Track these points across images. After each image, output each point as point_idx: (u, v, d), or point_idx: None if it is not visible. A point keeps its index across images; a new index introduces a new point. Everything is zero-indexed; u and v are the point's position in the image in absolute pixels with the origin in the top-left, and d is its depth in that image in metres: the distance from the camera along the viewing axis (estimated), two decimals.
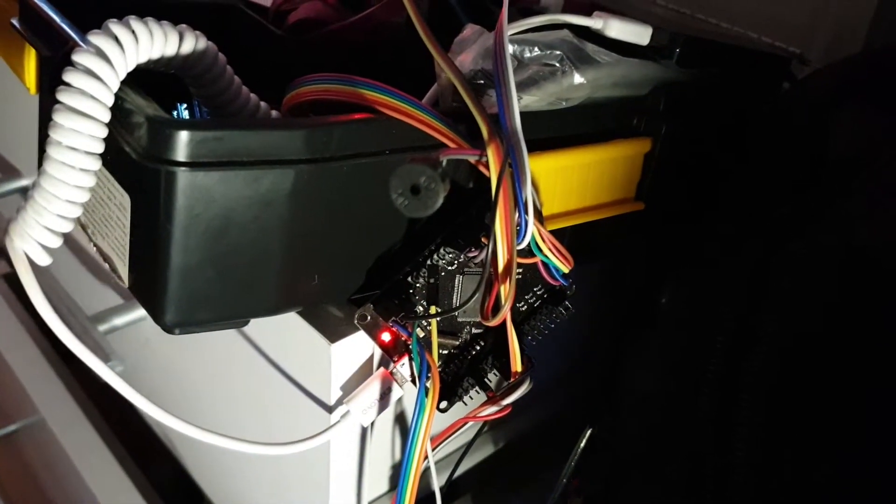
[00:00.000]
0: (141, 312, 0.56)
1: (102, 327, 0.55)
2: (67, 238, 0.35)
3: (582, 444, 0.47)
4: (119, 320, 0.56)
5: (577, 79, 0.42)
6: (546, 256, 0.38)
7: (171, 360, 0.59)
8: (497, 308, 0.38)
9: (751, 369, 0.40)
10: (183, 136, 0.32)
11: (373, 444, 0.47)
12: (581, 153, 0.45)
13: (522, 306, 0.42)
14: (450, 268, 0.40)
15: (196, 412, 0.59)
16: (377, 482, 0.50)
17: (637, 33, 0.46)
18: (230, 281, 0.36)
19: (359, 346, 0.41)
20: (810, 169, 0.48)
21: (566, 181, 0.45)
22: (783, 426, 0.40)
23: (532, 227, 0.37)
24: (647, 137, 0.48)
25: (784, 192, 0.48)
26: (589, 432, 0.47)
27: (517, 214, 0.36)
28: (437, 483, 0.43)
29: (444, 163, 0.34)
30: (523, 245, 0.37)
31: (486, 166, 0.36)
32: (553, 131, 0.44)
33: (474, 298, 0.37)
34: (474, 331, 0.42)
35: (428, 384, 0.37)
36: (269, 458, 0.50)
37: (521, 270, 0.41)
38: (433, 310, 0.39)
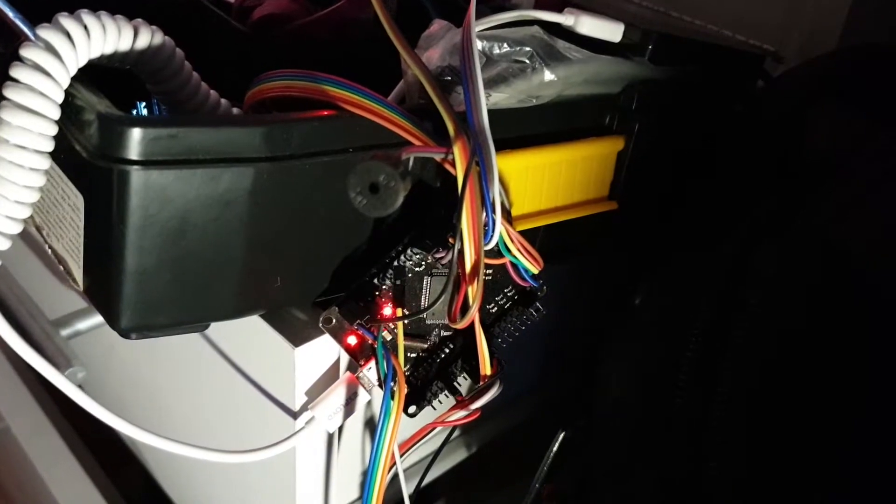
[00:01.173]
0: None
1: (65, 332, 0.53)
2: (30, 239, 0.34)
3: (555, 448, 0.46)
4: (82, 325, 0.54)
5: (548, 76, 0.41)
6: (515, 257, 0.37)
7: (136, 366, 0.58)
8: (465, 310, 0.37)
9: (725, 371, 0.39)
10: (135, 134, 0.31)
11: (341, 450, 0.46)
12: (552, 151, 0.44)
13: (492, 308, 0.41)
14: (417, 269, 0.39)
15: (162, 419, 0.57)
16: (346, 489, 0.49)
17: (609, 30, 0.45)
18: (188, 284, 0.35)
19: (324, 350, 0.40)
20: (784, 167, 0.48)
21: (537, 180, 0.44)
22: (759, 431, 0.39)
23: (500, 227, 0.36)
24: (620, 136, 0.47)
25: (758, 191, 0.47)
26: (562, 436, 0.46)
27: (484, 214, 0.35)
28: (406, 490, 0.42)
29: (409, 161, 0.33)
30: (491, 245, 0.36)
31: (453, 164, 0.35)
32: (523, 129, 0.43)
33: (441, 300, 0.36)
34: (443, 334, 0.41)
35: (394, 388, 0.36)
36: (235, 465, 0.49)
37: (489, 272, 0.40)
38: (399, 312, 0.38)
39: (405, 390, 0.37)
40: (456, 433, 0.52)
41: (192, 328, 0.37)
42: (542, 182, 0.44)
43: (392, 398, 0.37)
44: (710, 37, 0.54)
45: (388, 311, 0.39)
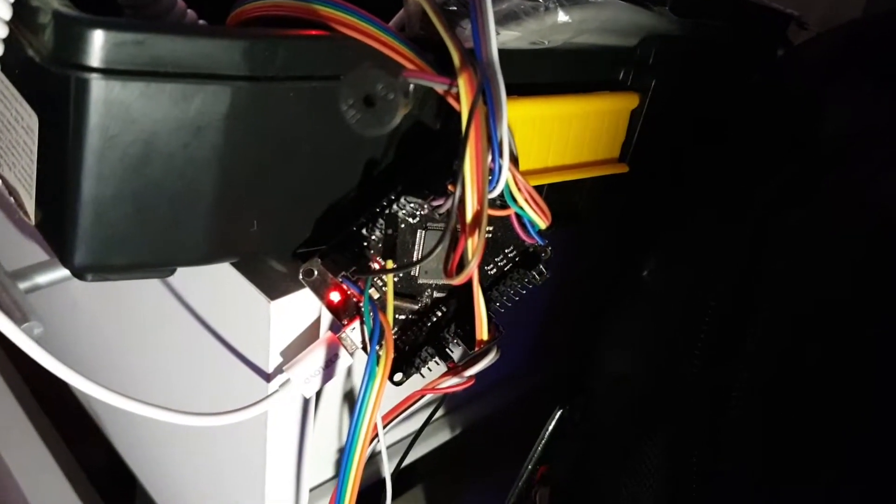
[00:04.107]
0: (66, 272, 0.50)
1: (23, 285, 0.49)
2: None
3: (550, 427, 0.42)
4: (42, 278, 0.49)
5: (562, 17, 0.38)
6: (521, 208, 0.33)
7: (99, 323, 0.54)
8: (462, 265, 0.33)
9: (749, 344, 0.35)
10: (97, 37, 0.26)
11: (317, 423, 0.42)
12: (562, 103, 0.40)
13: (491, 269, 0.37)
14: (411, 220, 0.35)
15: (126, 382, 0.53)
16: (322, 466, 0.45)
17: None
18: (152, 220, 0.31)
19: (303, 306, 0.36)
20: (806, 136, 0.44)
21: (544, 133, 0.40)
22: (781, 409, 0.35)
23: (507, 173, 0.32)
24: (635, 92, 0.44)
25: (779, 159, 0.43)
26: (559, 413, 0.42)
27: (490, 157, 0.31)
28: (387, 468, 0.38)
29: (409, 86, 0.29)
30: (495, 193, 0.32)
31: (456, 98, 0.31)
32: (531, 75, 0.39)
33: (436, 252, 0.32)
34: (436, 294, 0.37)
35: (380, 351, 0.32)
36: (201, 432, 0.45)
37: (491, 228, 0.36)
38: (389, 265, 0.34)
39: (392, 354, 0.33)
40: (441, 412, 0.48)
41: (156, 272, 0.33)
42: (549, 136, 0.41)
43: (377, 363, 0.33)
44: None
45: (376, 265, 0.35)
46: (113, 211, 0.30)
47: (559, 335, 0.54)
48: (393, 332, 0.36)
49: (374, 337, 0.32)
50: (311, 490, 0.44)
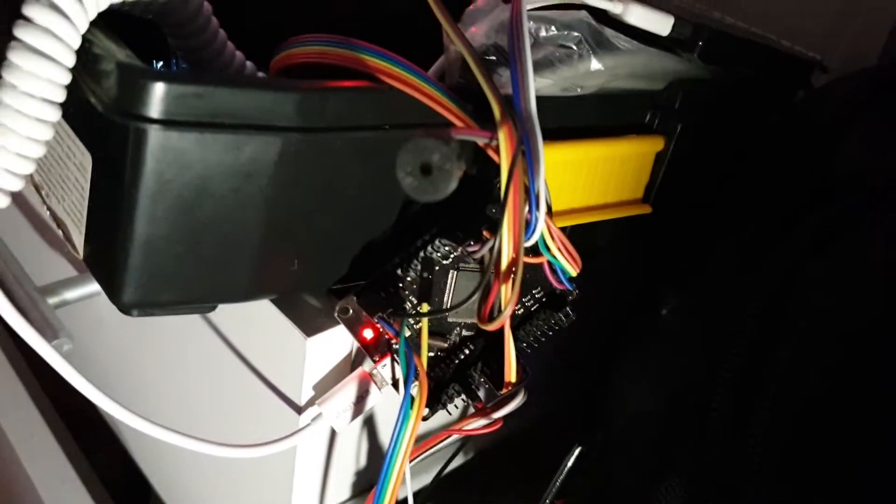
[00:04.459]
0: (95, 287, 0.51)
1: (52, 300, 0.50)
2: (20, 200, 0.30)
3: (569, 464, 0.43)
4: (71, 294, 0.50)
5: (595, 64, 0.39)
6: (554, 257, 0.34)
7: (126, 342, 0.55)
8: (493, 311, 0.34)
9: (767, 397, 0.36)
10: (159, 89, 0.27)
11: (337, 448, 0.43)
12: (591, 147, 0.41)
13: (519, 310, 0.38)
14: (445, 262, 0.36)
15: (150, 401, 0.54)
16: (339, 488, 0.46)
17: (658, 22, 0.42)
18: (200, 259, 0.32)
19: (337, 343, 0.37)
20: (828, 182, 0.45)
21: (574, 176, 0.41)
22: (801, 460, 0.36)
23: (542, 224, 0.33)
24: (661, 136, 0.45)
25: (803, 205, 0.44)
26: (578, 451, 0.43)
27: (527, 208, 0.32)
28: (410, 493, 0.39)
29: (458, 145, 0.30)
30: (531, 242, 0.33)
31: (497, 151, 0.32)
32: (563, 120, 0.40)
33: (472, 299, 0.33)
34: (465, 333, 0.38)
35: (414, 392, 0.33)
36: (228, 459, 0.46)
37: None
38: (425, 308, 0.35)
39: (426, 395, 0.34)
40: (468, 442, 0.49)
41: (200, 308, 0.34)
42: (577, 178, 0.42)
43: (411, 405, 0.34)
44: (758, 38, 0.51)
45: (410, 304, 0.36)
46: (163, 251, 0.31)
47: (577, 363, 0.55)
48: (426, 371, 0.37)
49: (410, 379, 0.33)
50: None
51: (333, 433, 0.41)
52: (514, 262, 0.33)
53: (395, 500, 0.34)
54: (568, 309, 0.38)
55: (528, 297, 0.38)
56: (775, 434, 0.37)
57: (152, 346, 0.51)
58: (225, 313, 0.39)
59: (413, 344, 0.35)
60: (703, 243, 0.46)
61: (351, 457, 0.45)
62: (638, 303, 0.47)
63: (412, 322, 0.35)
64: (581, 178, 0.42)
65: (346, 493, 0.48)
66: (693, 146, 0.45)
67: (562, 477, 0.43)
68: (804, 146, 0.49)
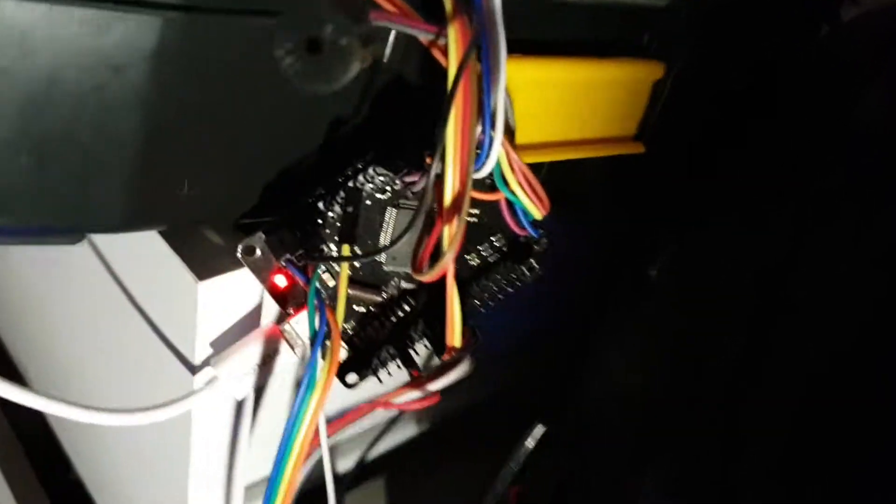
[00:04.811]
0: None
1: None
2: None
3: (529, 446, 0.36)
4: None
5: None
6: (514, 193, 0.27)
7: (21, 302, 0.47)
8: (436, 257, 0.27)
9: (767, 377, 0.29)
10: None
11: (259, 416, 0.36)
12: (573, 67, 0.34)
13: (471, 259, 0.31)
14: (379, 196, 0.29)
15: (47, 367, 0.47)
16: (257, 463, 0.39)
17: None
18: (56, 175, 0.25)
19: (241, 290, 0.30)
20: (843, 134, 0.38)
21: (549, 102, 0.34)
22: (801, 443, 0.29)
23: (499, 148, 0.25)
24: (660, 61, 0.37)
25: (818, 157, 0.37)
26: (540, 431, 0.36)
27: (479, 127, 0.25)
28: (330, 476, 0.32)
29: (380, 34, 0.23)
30: (483, 172, 0.26)
31: (444, 52, 0.25)
32: (538, 31, 0.33)
33: (404, 239, 0.26)
34: (404, 285, 0.31)
35: (324, 357, 0.26)
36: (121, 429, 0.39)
37: (476, 212, 0.30)
38: (345, 250, 0.28)
39: (339, 353, 0.27)
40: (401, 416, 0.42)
41: (60, 238, 0.27)
42: (555, 105, 0.34)
43: (319, 362, 0.27)
44: None
45: (332, 246, 0.28)
46: (6, 161, 0.23)
47: (546, 333, 0.48)
48: (350, 326, 0.30)
49: (319, 338, 0.26)
50: (247, 488, 0.38)
51: (246, 401, 0.34)
52: (459, 196, 0.25)
53: (293, 487, 0.27)
54: (532, 261, 0.31)
55: (485, 245, 0.31)
56: (775, 420, 0.31)
57: (45, 301, 0.44)
58: (118, 253, 0.32)
59: (331, 294, 0.28)
60: (702, 195, 0.39)
61: (277, 427, 0.38)
62: (621, 260, 0.39)
63: (329, 268, 0.28)
64: (560, 106, 0.34)
65: (265, 469, 0.41)
66: (697, 77, 0.38)
67: (520, 461, 0.36)
68: (824, 90, 0.41)
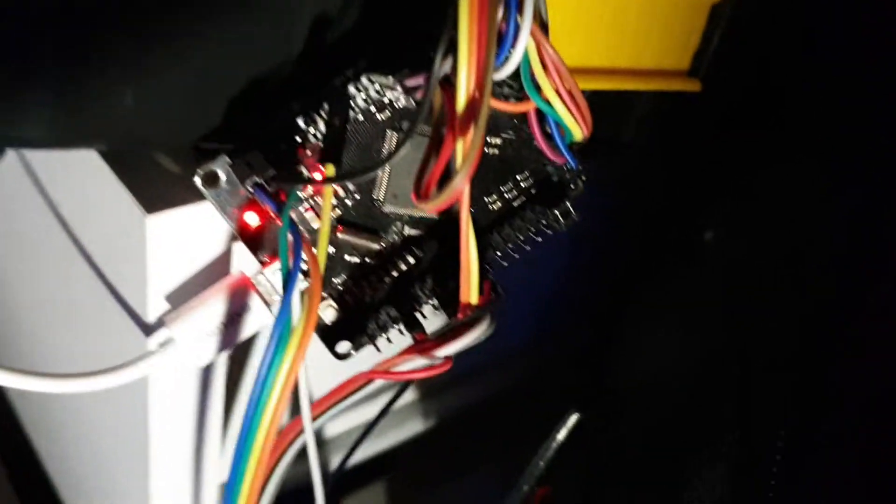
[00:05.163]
0: None
1: None
2: None
3: (560, 438, 0.30)
4: None
5: None
6: (548, 102, 0.21)
7: None
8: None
9: (844, 362, 0.23)
10: None
11: (241, 395, 0.30)
12: None
13: (493, 202, 0.25)
14: (373, 111, 0.23)
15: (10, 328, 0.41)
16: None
17: None
18: None
19: (201, 230, 0.24)
20: None
21: (591, 16, 0.28)
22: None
23: (526, 38, 0.19)
24: None
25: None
26: (573, 420, 0.30)
27: (501, 9, 0.19)
28: (317, 475, 0.26)
29: None
30: (506, 70, 0.20)
31: None
32: None
33: (401, 152, 0.20)
34: (408, 231, 0.25)
35: (296, 302, 0.20)
36: (74, 401, 0.33)
37: (499, 142, 0.24)
38: (329, 171, 0.22)
39: (319, 297, 0.21)
40: (409, 396, 0.35)
41: None
42: (598, 21, 0.28)
43: (291, 324, 0.20)
44: None
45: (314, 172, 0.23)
46: None
47: (575, 306, 0.41)
48: (340, 281, 0.24)
49: (292, 281, 0.20)
50: (222, 484, 0.32)
51: (214, 372, 0.28)
52: (475, 100, 0.19)
53: (260, 479, 0.21)
54: (568, 204, 0.25)
55: (509, 184, 0.25)
56: (852, 416, 0.24)
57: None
58: (58, 183, 0.26)
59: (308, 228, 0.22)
60: (768, 146, 0.33)
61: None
62: (667, 220, 0.33)
63: (313, 204, 0.22)
64: (604, 23, 0.28)
65: None
66: (766, 4, 0.32)
67: (548, 456, 0.30)
68: None
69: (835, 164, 0.30)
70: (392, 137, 0.23)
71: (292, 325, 0.20)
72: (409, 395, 0.38)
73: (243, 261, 0.25)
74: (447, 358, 0.23)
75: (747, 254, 0.31)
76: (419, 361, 0.23)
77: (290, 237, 0.20)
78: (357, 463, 0.37)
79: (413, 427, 0.39)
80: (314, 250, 0.21)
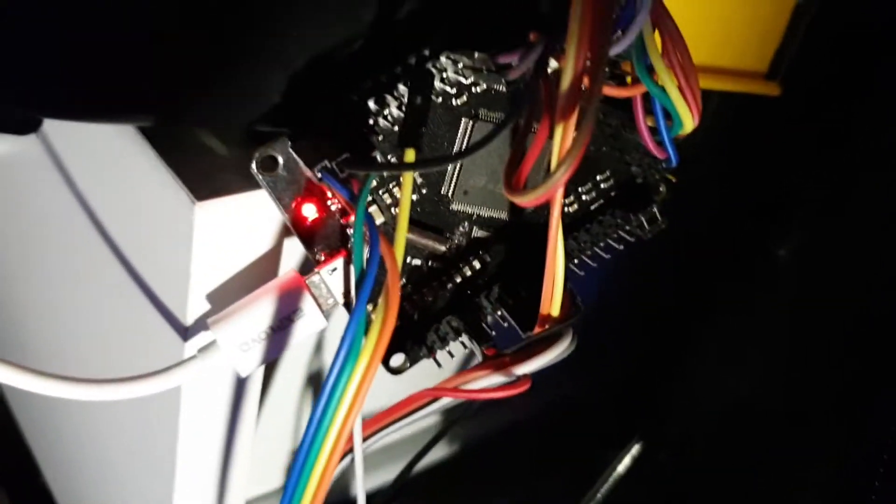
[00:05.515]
0: None
1: None
2: None
3: (621, 469, 0.28)
4: None
5: None
6: (661, 87, 0.18)
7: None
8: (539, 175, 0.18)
9: None
10: None
11: (265, 411, 0.27)
12: None
13: (571, 203, 0.23)
14: (452, 95, 0.20)
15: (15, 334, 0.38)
16: (266, 472, 0.31)
17: None
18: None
19: (252, 221, 0.21)
20: None
21: (673, 9, 0.25)
22: None
23: (645, 17, 0.17)
24: None
25: None
26: (637, 449, 0.27)
27: None
28: (362, 490, 0.23)
29: None
30: (622, 45, 0.17)
31: None
32: None
33: (497, 136, 0.17)
34: (476, 233, 0.22)
35: (373, 313, 0.18)
36: (99, 409, 0.31)
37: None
38: (410, 156, 0.19)
39: (394, 318, 0.18)
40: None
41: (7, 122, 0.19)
42: (681, 16, 0.26)
43: (365, 333, 0.18)
44: None
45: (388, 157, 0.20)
46: None
47: (627, 321, 0.38)
48: (403, 280, 0.22)
49: (366, 286, 0.17)
50: (248, 503, 0.29)
51: (248, 384, 0.25)
52: (590, 82, 0.17)
53: (325, 484, 0.18)
54: (655, 210, 0.23)
55: (589, 184, 0.23)
56: None
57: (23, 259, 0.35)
58: (94, 168, 0.24)
59: (383, 227, 0.20)
60: (853, 156, 0.30)
61: (287, 432, 0.29)
62: (739, 233, 0.31)
63: (383, 194, 0.20)
64: (683, 13, 0.26)
65: (278, 479, 0.32)
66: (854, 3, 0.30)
67: (607, 488, 0.28)
68: None
69: None
70: (469, 125, 0.21)
71: (362, 338, 0.17)
72: (434, 417, 0.36)
73: (294, 258, 0.22)
74: (525, 376, 0.20)
75: (824, 271, 0.28)
76: (493, 378, 0.20)
77: (365, 230, 0.18)
78: (375, 488, 0.35)
79: (448, 447, 0.36)
80: (392, 250, 0.19)
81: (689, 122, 0.19)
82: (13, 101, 0.19)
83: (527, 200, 0.18)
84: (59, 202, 0.26)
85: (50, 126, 0.24)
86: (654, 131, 0.20)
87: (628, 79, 0.20)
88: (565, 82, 0.17)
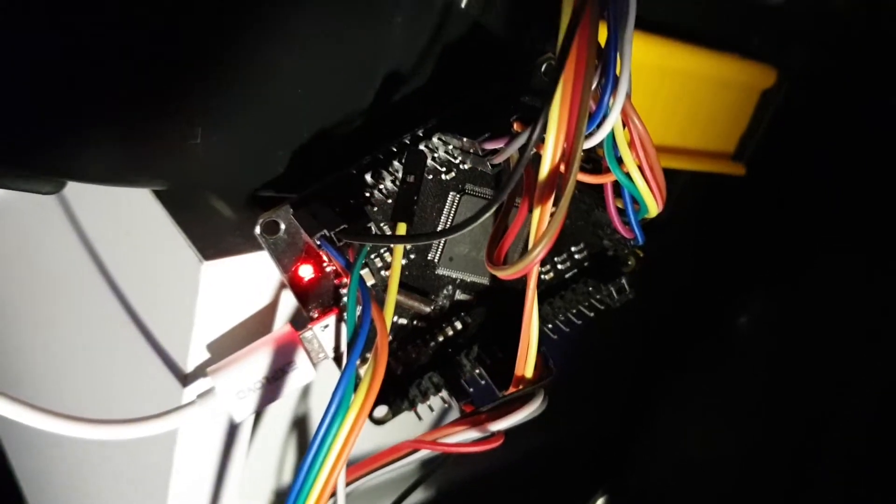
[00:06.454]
0: None
1: None
2: None
3: None
4: None
5: None
6: (628, 176, 0.20)
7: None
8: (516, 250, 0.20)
9: None
10: None
11: (253, 447, 0.29)
12: (698, 57, 0.28)
13: (547, 271, 0.25)
14: (442, 172, 0.22)
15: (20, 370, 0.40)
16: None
17: None
18: (19, 98, 0.18)
19: (254, 279, 0.23)
20: None
21: (647, 95, 0.28)
22: None
23: (620, 109, 0.19)
24: (772, 67, 0.31)
25: None
26: (601, 502, 0.29)
27: (596, 78, 0.19)
28: None
29: None
30: (596, 139, 0.19)
31: None
32: (665, 10, 0.27)
33: (482, 219, 0.19)
34: (459, 296, 0.24)
35: (362, 369, 0.20)
36: (91, 446, 0.32)
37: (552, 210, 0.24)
38: (402, 229, 0.21)
39: (381, 376, 0.20)
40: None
41: (33, 182, 0.20)
42: (658, 96, 0.28)
43: (355, 389, 0.20)
44: None
45: (383, 227, 0.22)
46: None
47: (599, 384, 0.41)
48: (391, 339, 0.23)
49: (357, 345, 0.19)
50: None
51: (241, 428, 0.27)
52: (565, 168, 0.19)
53: None
54: (624, 281, 0.24)
55: (564, 255, 0.25)
56: None
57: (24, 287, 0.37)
58: (105, 223, 0.26)
59: (374, 290, 0.22)
60: (813, 231, 0.33)
61: (271, 468, 0.31)
62: (702, 303, 0.33)
63: (375, 259, 0.21)
64: (658, 98, 0.28)
65: None
66: (818, 92, 0.32)
67: None
68: None
69: (881, 258, 0.29)
70: (456, 198, 0.23)
71: (352, 395, 0.19)
72: (413, 465, 0.37)
73: (287, 314, 0.24)
74: (499, 432, 0.22)
75: (783, 342, 0.30)
76: (470, 433, 0.22)
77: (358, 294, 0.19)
78: None
79: (416, 497, 0.38)
80: (382, 313, 0.20)
81: (653, 208, 0.21)
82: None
83: (506, 275, 0.19)
84: (72, 251, 0.28)
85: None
86: (623, 212, 0.22)
87: (603, 161, 0.22)
88: (544, 169, 0.19)
